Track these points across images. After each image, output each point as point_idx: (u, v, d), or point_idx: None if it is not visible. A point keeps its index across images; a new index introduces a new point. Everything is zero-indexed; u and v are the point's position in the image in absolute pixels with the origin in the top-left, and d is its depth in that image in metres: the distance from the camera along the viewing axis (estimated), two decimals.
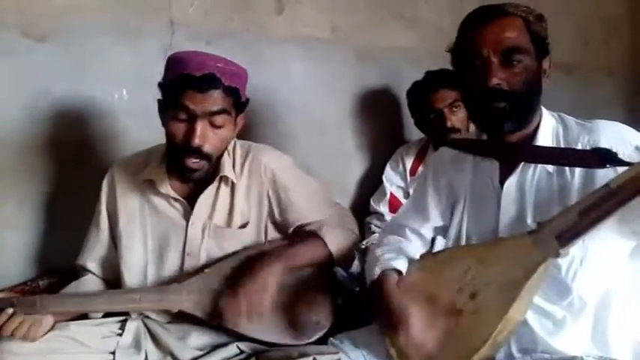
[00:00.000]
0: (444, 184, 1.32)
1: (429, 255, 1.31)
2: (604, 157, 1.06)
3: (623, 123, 1.15)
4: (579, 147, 1.14)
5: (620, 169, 1.01)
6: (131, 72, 1.78)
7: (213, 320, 1.31)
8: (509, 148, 1.20)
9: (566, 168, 1.13)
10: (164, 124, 1.33)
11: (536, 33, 1.15)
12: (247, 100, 1.37)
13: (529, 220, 1.15)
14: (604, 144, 1.10)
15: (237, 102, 1.33)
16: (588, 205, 0.99)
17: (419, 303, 1.17)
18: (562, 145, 1.17)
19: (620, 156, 1.05)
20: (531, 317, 1.12)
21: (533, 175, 1.17)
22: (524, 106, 1.16)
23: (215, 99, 1.26)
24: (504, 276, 1.07)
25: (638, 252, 1.12)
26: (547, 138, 1.18)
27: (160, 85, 1.33)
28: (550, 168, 1.15)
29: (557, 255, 1.02)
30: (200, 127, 1.26)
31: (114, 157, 1.75)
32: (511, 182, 1.18)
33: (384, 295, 1.22)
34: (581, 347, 1.12)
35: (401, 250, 1.32)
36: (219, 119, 1.28)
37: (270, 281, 1.29)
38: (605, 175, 1.06)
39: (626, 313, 1.14)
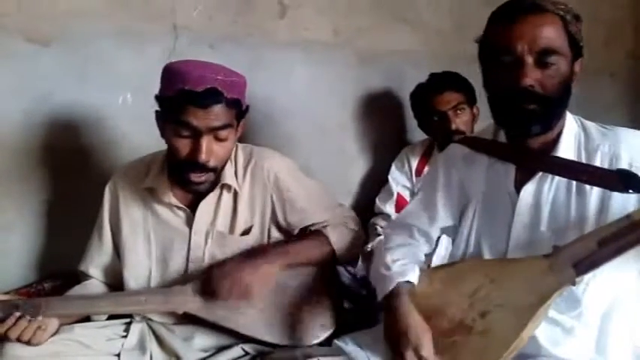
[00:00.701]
0: (455, 182, 1.28)
1: (438, 267, 1.28)
2: (627, 181, 1.03)
3: (625, 125, 1.14)
4: (599, 155, 1.11)
5: None
6: (134, 76, 1.78)
7: (212, 311, 1.31)
8: (529, 155, 1.16)
9: (586, 185, 1.10)
10: (164, 135, 1.31)
11: (573, 34, 1.10)
12: (247, 107, 1.36)
13: (542, 230, 1.13)
14: (624, 155, 1.08)
15: (239, 112, 1.31)
16: (609, 235, 0.98)
17: (424, 318, 1.13)
18: (583, 153, 1.14)
19: None
20: (538, 328, 1.10)
21: (550, 185, 1.14)
22: (554, 109, 1.11)
23: (217, 114, 1.24)
24: (517, 299, 1.05)
25: None
26: (570, 144, 1.14)
27: (158, 98, 1.30)
28: (570, 181, 1.11)
29: (574, 283, 1.01)
30: (205, 143, 1.25)
31: (117, 161, 1.75)
32: (528, 190, 1.15)
33: (399, 316, 1.14)
34: (585, 355, 1.11)
35: (411, 256, 1.27)
36: (223, 133, 1.27)
37: (269, 272, 1.29)
38: (623, 198, 1.05)
39: (629, 321, 1.13)
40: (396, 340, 1.12)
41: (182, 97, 1.22)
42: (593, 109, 2.76)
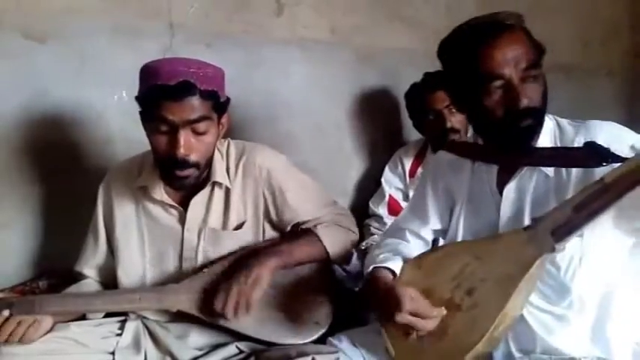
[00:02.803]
0: (441, 188, 1.32)
1: (426, 252, 1.30)
2: (600, 154, 1.05)
3: (622, 124, 1.15)
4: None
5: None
6: (131, 74, 1.76)
7: (207, 315, 1.31)
8: (508, 152, 1.19)
9: (563, 170, 1.13)
10: (148, 136, 1.31)
11: (535, 41, 1.13)
12: (228, 99, 1.34)
13: (527, 222, 1.14)
14: (600, 143, 1.09)
15: (217, 104, 1.30)
16: (582, 200, 0.99)
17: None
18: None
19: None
20: (531, 317, 1.13)
21: (530, 178, 1.16)
22: (543, 117, 1.15)
23: (193, 106, 1.23)
24: (500, 271, 1.07)
25: (637, 250, 1.12)
26: (546, 141, 1.17)
27: (137, 99, 1.29)
28: (548, 172, 1.14)
29: (553, 250, 1.02)
30: (183, 137, 1.23)
31: (112, 158, 1.75)
32: (510, 188, 1.18)
33: (377, 287, 1.20)
34: (581, 347, 1.12)
35: (398, 252, 1.31)
36: (201, 126, 1.26)
37: (264, 276, 1.29)
38: (601, 172, 1.05)
39: (626, 313, 1.14)
40: (380, 310, 1.18)
41: (156, 92, 1.22)
42: (589, 108, 2.78)
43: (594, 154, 1.06)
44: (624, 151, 1.05)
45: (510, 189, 1.18)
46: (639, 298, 1.16)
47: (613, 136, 1.11)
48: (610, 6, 2.96)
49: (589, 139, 1.11)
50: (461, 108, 1.27)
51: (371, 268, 1.25)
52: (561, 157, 1.13)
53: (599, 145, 1.06)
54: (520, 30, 1.12)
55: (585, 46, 2.86)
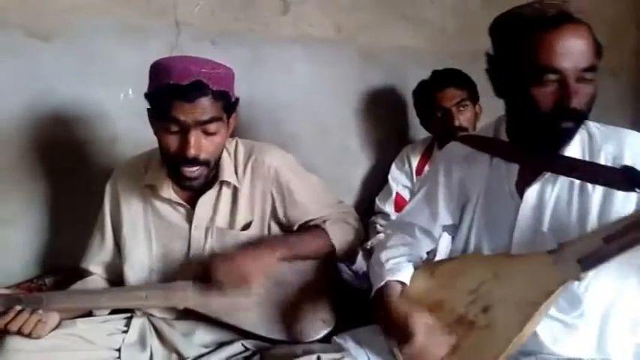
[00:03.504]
0: (455, 181, 1.27)
1: (441, 261, 1.27)
2: (632, 179, 1.02)
3: (627, 124, 1.15)
4: (602, 156, 1.11)
5: None
6: (136, 72, 1.76)
7: (212, 306, 1.31)
8: (533, 155, 1.14)
9: (589, 185, 1.09)
10: (156, 133, 1.30)
11: (597, 43, 1.06)
12: (237, 99, 1.34)
13: (544, 231, 1.13)
14: (627, 155, 1.08)
15: (228, 105, 1.30)
16: (614, 232, 0.97)
17: (425, 310, 1.13)
18: (587, 153, 1.13)
19: None
20: (540, 325, 1.10)
21: (554, 186, 1.13)
22: (583, 123, 1.11)
23: (204, 107, 1.22)
24: (521, 294, 1.05)
25: None
26: (574, 145, 1.12)
27: (147, 96, 1.29)
28: (573, 181, 1.11)
29: (578, 278, 1.01)
30: (194, 137, 1.23)
31: (118, 156, 1.76)
32: (532, 190, 1.14)
33: (385, 308, 1.15)
34: (586, 352, 1.11)
35: (408, 255, 1.26)
36: (212, 127, 1.25)
37: (269, 260, 1.29)
38: (624, 197, 1.05)
39: (631, 319, 1.13)
40: (391, 335, 1.13)
41: (168, 91, 1.21)
42: (594, 109, 2.76)
43: (628, 178, 1.03)
44: None
45: (533, 192, 1.14)
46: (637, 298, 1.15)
47: None
48: (615, 6, 2.94)
49: (617, 151, 1.09)
50: (500, 93, 1.18)
51: (380, 282, 1.19)
52: (591, 172, 1.09)
53: (635, 170, 1.03)
54: (586, 26, 1.05)
55: None
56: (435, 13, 2.40)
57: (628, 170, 1.04)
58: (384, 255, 1.25)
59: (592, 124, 1.15)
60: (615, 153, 1.10)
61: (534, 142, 1.13)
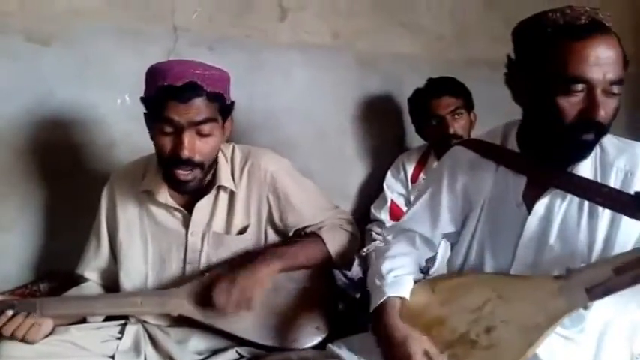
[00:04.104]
0: (460, 187, 1.25)
1: (442, 276, 1.26)
2: None
3: (625, 127, 1.13)
4: (614, 171, 1.09)
5: None
6: (134, 77, 1.77)
7: (207, 318, 1.30)
8: (543, 168, 1.12)
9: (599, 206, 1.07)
10: (152, 138, 1.31)
11: (624, 54, 1.03)
12: (232, 103, 1.35)
13: (549, 247, 1.11)
14: (639, 175, 1.06)
15: (222, 107, 1.30)
16: (625, 263, 0.96)
17: (425, 326, 1.12)
18: (598, 168, 1.10)
19: None
20: None
21: (562, 201, 1.11)
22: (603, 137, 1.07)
23: (198, 107, 1.24)
24: (525, 318, 1.03)
25: None
26: (587, 160, 1.10)
27: (143, 99, 1.30)
28: (583, 201, 1.09)
29: (585, 307, 1.00)
30: (187, 138, 1.24)
31: (115, 161, 1.76)
32: (541, 204, 1.12)
33: (385, 326, 1.12)
34: None
35: (408, 266, 1.24)
36: (206, 128, 1.26)
37: (267, 276, 1.29)
38: (633, 222, 1.03)
39: (627, 330, 1.13)
40: (388, 354, 1.10)
41: (162, 92, 1.22)
42: None
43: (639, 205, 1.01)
44: None
45: (542, 205, 1.12)
46: (637, 313, 1.14)
47: None
48: (613, 10, 2.94)
49: (629, 166, 1.07)
50: (520, 100, 1.14)
51: (379, 299, 1.16)
52: (601, 194, 1.06)
53: None
54: (615, 37, 1.02)
55: None
56: (432, 20, 2.40)
57: (639, 197, 1.01)
58: (384, 267, 1.22)
59: (606, 136, 1.11)
60: (627, 169, 1.08)
61: (550, 153, 1.10)
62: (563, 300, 1.01)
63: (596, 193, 1.07)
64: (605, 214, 1.08)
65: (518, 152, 1.17)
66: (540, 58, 1.04)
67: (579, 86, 1.00)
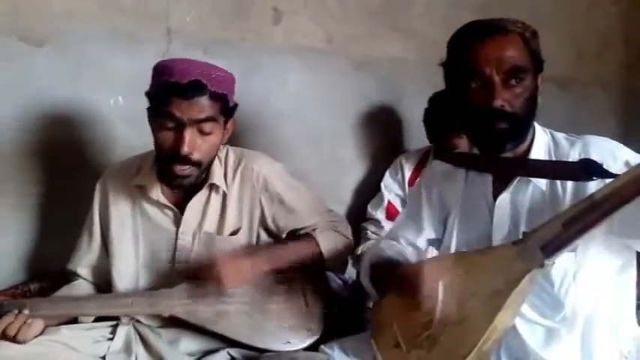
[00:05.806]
0: (435, 197, 1.32)
1: (417, 263, 1.27)
2: (592, 170, 1.06)
3: (616, 136, 1.17)
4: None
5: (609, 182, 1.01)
6: (128, 79, 1.79)
7: (198, 315, 1.32)
8: (503, 162, 1.20)
9: (558, 184, 1.14)
10: (153, 132, 1.32)
11: (534, 50, 1.15)
12: (236, 105, 1.37)
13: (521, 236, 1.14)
14: (594, 158, 1.10)
15: (225, 108, 1.32)
16: (572, 216, 0.99)
17: (402, 312, 1.16)
18: (554, 159, 1.18)
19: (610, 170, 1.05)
20: (524, 329, 1.13)
21: (525, 190, 1.17)
22: (524, 125, 1.16)
23: (202, 106, 1.26)
24: (489, 286, 1.06)
25: (624, 268, 1.14)
26: (540, 154, 1.19)
27: (148, 94, 1.32)
28: (543, 185, 1.15)
29: (542, 266, 1.02)
30: (188, 135, 1.26)
31: (108, 162, 1.75)
32: (504, 197, 1.18)
33: (394, 267, 1.22)
34: (572, 358, 1.12)
35: (401, 254, 1.31)
36: (207, 126, 1.28)
37: (254, 268, 1.31)
38: (594, 188, 1.06)
39: (613, 326, 1.15)
40: (404, 286, 1.16)
41: (167, 89, 1.25)
42: (584, 121, 2.79)
43: (586, 168, 1.07)
44: (618, 168, 1.06)
45: (504, 199, 1.18)
46: (623, 311, 1.17)
47: (607, 151, 1.12)
48: (604, 19, 2.98)
49: (583, 154, 1.12)
50: (450, 97, 1.28)
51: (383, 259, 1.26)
52: (554, 169, 1.15)
53: (593, 160, 1.07)
54: (517, 36, 1.14)
55: (580, 59, 2.88)
56: (425, 24, 2.41)
57: (585, 162, 1.09)
58: (381, 246, 1.35)
59: (559, 134, 1.22)
60: (582, 156, 1.13)
61: (479, 144, 1.21)
62: (521, 262, 1.04)
63: (550, 169, 1.15)
64: (567, 194, 1.13)
65: (480, 154, 1.25)
66: (451, 63, 1.20)
67: (476, 79, 1.13)
